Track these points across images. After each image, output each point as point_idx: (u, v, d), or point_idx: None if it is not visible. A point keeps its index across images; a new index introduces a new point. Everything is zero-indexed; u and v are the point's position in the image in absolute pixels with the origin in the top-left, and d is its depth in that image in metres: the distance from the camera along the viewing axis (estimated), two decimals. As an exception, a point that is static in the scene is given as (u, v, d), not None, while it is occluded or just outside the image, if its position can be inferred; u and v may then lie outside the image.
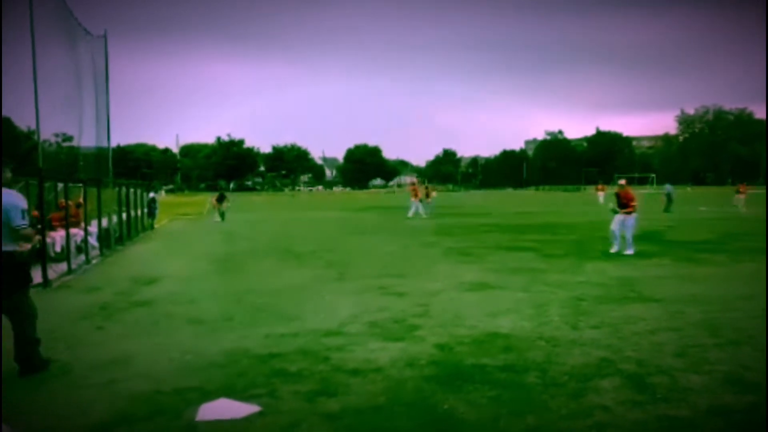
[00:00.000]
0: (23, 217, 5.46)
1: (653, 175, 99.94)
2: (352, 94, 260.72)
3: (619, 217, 13.48)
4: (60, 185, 13.26)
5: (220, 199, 29.29)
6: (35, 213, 11.52)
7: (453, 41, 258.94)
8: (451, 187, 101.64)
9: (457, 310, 7.70)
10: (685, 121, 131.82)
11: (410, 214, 27.95)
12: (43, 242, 10.42)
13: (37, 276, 9.27)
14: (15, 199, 5.52)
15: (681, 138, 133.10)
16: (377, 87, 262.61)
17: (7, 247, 5.38)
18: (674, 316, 7.14)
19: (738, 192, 34.30)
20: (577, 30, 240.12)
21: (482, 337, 6.35)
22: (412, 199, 28.88)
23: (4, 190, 5.46)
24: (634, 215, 13.50)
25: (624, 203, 13.54)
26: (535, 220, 26.40)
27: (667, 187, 32.75)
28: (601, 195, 43.32)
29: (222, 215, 28.30)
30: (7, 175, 5.62)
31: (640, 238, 16.98)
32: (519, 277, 10.29)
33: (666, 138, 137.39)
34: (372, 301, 8.45)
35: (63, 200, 13.22)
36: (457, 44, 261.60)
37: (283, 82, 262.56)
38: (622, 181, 14.38)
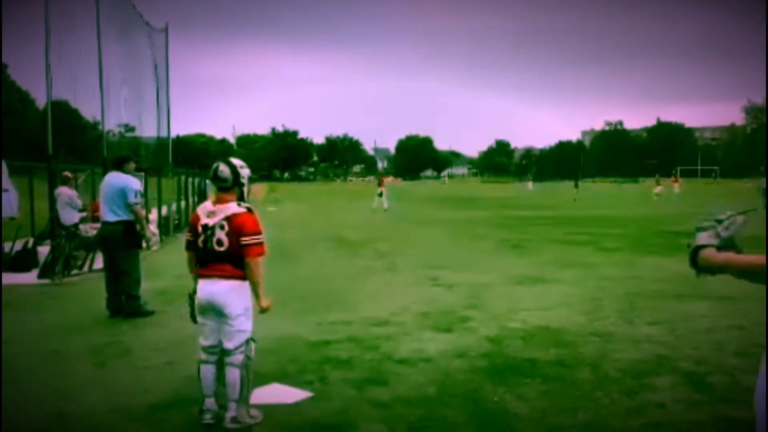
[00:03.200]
0: (136, 196, 7.30)
1: (716, 168, 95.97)
2: (404, 84, 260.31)
3: None
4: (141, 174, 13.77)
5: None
6: (98, 202, 12.03)
7: (507, 31, 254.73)
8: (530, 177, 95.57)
9: (508, 303, 7.62)
10: (753, 111, 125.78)
11: (385, 205, 27.15)
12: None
13: (99, 262, 9.67)
14: (131, 182, 7.40)
15: (748, 129, 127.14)
16: (429, 76, 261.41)
17: (125, 217, 7.24)
18: (736, 314, 6.86)
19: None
20: (637, 18, 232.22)
21: (534, 330, 6.27)
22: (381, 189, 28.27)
23: (125, 176, 7.44)
24: None
25: None
26: (590, 212, 25.78)
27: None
28: (659, 189, 42.19)
29: None
30: (131, 165, 7.73)
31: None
32: (572, 270, 10.09)
33: (731, 129, 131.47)
34: (422, 291, 8.46)
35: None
36: (511, 34, 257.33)
37: (337, 73, 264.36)
38: None
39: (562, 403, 4.32)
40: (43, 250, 10.70)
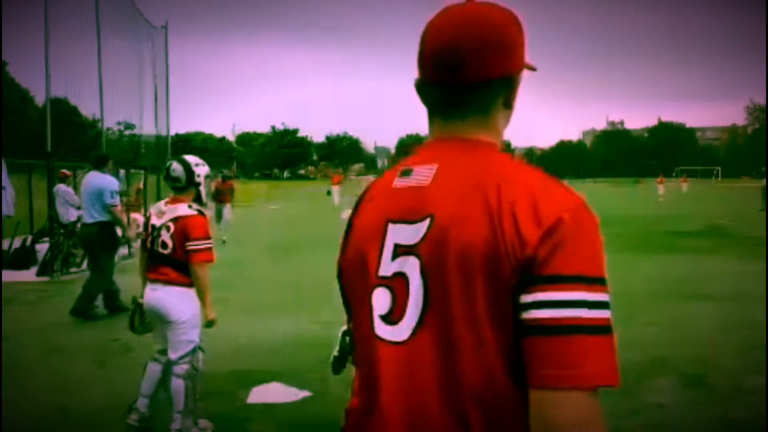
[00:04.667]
0: (112, 197, 7.18)
1: (718, 168, 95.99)
2: (405, 82, 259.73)
3: None
4: (122, 172, 13.75)
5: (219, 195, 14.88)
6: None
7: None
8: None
9: (508, 302, 7.61)
10: (755, 111, 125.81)
11: (336, 202, 26.53)
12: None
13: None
14: (109, 182, 7.32)
15: (750, 129, 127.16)
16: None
17: (101, 218, 7.18)
18: (737, 315, 6.85)
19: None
20: (638, 18, 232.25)
21: (533, 330, 6.26)
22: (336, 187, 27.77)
23: (103, 176, 7.35)
24: None
25: None
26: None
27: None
28: (660, 188, 42.18)
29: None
30: (109, 165, 7.72)
31: (702, 233, 16.37)
32: (573, 270, 10.06)
33: (733, 129, 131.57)
34: (422, 291, 8.43)
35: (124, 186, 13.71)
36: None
37: (338, 72, 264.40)
38: None
39: (561, 404, 4.30)
40: (42, 248, 10.69)
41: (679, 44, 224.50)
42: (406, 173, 1.13)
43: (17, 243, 11.08)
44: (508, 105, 1.16)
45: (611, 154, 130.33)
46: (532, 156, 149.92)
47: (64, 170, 11.73)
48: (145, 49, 17.18)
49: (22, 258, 10.67)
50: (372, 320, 1.09)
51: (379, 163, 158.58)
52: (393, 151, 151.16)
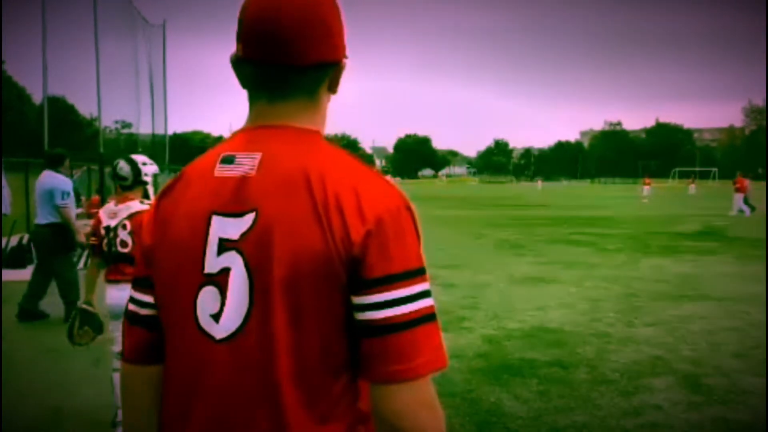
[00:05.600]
0: (63, 197, 6.81)
1: (715, 170, 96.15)
2: (403, 83, 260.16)
3: None
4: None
5: None
6: (95, 198, 11.99)
7: (507, 30, 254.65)
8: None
9: (507, 303, 7.60)
10: (753, 112, 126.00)
11: None
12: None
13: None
14: (60, 182, 6.91)
15: (747, 131, 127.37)
16: (428, 76, 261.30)
17: (51, 219, 6.85)
18: (735, 316, 6.85)
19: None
20: (637, 19, 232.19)
21: (532, 331, 6.25)
22: None
23: (56, 176, 6.89)
24: None
25: None
26: (589, 213, 25.77)
27: None
28: (646, 189, 41.94)
29: None
30: (66, 164, 7.26)
31: (702, 234, 16.39)
32: (572, 271, 10.07)
33: (731, 130, 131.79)
34: (420, 291, 8.42)
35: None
36: (510, 33, 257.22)
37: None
38: None
39: (558, 404, 4.30)
40: (39, 247, 10.65)
41: (678, 45, 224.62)
42: (228, 161, 1.05)
43: (14, 241, 11.04)
44: (333, 89, 1.13)
45: (609, 155, 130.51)
46: (530, 156, 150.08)
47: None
48: (143, 48, 17.16)
49: (19, 257, 10.63)
50: (197, 318, 1.03)
51: (377, 163, 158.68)
52: (391, 150, 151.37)
